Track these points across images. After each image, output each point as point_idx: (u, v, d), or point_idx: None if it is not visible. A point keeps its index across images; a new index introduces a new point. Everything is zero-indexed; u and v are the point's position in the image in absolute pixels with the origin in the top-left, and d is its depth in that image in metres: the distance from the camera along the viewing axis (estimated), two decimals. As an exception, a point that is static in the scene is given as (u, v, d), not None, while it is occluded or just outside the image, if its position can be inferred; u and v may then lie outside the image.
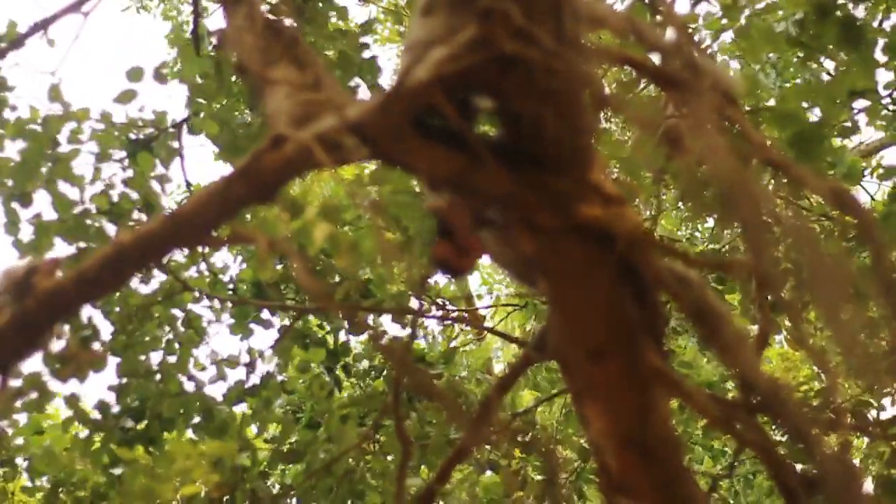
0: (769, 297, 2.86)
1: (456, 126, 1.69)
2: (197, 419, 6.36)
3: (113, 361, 6.20)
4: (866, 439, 6.37)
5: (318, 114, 1.78)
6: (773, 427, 3.57)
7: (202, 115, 6.57)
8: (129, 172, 6.32)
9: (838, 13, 5.08)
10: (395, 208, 5.04)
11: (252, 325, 6.68)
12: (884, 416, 5.10)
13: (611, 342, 2.00)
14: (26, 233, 6.08)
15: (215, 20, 8.16)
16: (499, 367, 10.65)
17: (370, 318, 6.62)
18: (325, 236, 4.70)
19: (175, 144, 6.71)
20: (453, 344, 8.67)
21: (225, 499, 5.68)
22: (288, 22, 2.24)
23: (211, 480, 5.50)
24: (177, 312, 6.51)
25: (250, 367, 6.66)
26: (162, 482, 5.39)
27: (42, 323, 1.72)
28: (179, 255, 6.42)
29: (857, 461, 6.19)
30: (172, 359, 6.42)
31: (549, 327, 2.61)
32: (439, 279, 6.79)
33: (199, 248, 6.35)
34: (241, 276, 6.90)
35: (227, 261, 6.91)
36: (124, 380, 6.26)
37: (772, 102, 5.78)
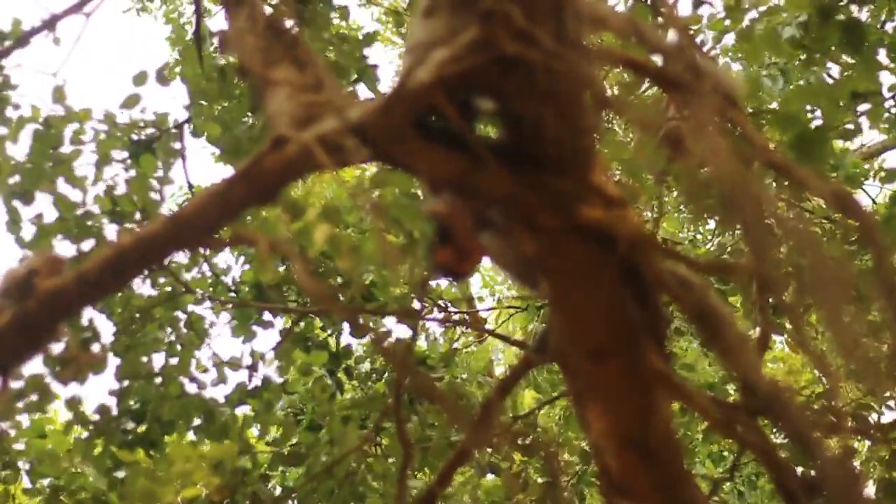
0: (770, 300, 2.85)
1: (457, 127, 1.69)
2: (198, 421, 6.35)
3: (113, 363, 6.20)
4: (867, 443, 6.36)
5: (319, 115, 1.78)
6: (774, 430, 3.57)
7: (203, 117, 6.56)
8: (132, 173, 6.32)
9: (841, 16, 5.08)
10: (397, 210, 5.04)
11: (254, 328, 6.69)
12: (884, 419, 5.10)
13: (611, 343, 2.00)
14: (28, 232, 6.10)
15: (217, 21, 8.18)
16: (500, 370, 10.64)
17: (372, 321, 6.62)
18: (326, 238, 4.70)
19: (177, 145, 6.72)
20: (455, 346, 8.67)
21: (226, 501, 5.67)
22: (289, 23, 2.24)
23: (212, 483, 5.49)
24: (179, 314, 6.51)
25: (252, 369, 6.66)
26: (163, 485, 5.38)
27: (43, 324, 1.73)
28: (181, 257, 6.42)
29: (858, 464, 6.18)
30: (174, 361, 6.42)
31: (549, 328, 2.61)
32: (440, 281, 6.80)
33: (201, 250, 6.35)
34: (242, 277, 6.90)
35: (229, 262, 6.93)
36: (125, 383, 6.25)
37: (774, 105, 5.79)
